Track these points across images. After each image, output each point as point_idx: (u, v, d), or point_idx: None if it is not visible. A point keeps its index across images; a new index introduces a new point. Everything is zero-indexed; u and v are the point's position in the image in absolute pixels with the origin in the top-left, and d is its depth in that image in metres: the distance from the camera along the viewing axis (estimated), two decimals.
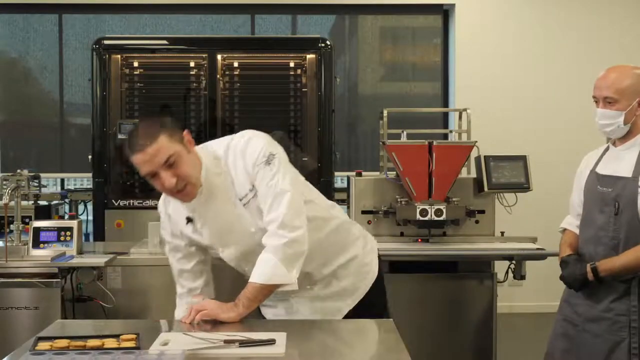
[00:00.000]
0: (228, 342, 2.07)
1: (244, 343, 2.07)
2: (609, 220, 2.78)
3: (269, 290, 2.36)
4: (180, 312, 2.51)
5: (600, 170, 2.87)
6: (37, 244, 3.64)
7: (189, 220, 2.44)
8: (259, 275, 2.34)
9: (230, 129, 4.64)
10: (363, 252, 2.63)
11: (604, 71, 2.83)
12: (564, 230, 3.09)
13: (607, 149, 2.93)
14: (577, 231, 2.99)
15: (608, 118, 2.79)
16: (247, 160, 2.38)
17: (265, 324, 2.45)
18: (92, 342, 2.03)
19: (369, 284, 2.60)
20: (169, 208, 2.52)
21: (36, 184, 4.78)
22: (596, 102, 2.84)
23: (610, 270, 2.75)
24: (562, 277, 2.92)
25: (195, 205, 2.41)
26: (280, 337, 2.14)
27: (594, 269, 2.77)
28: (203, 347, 2.03)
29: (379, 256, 2.71)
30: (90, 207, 5.31)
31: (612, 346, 2.76)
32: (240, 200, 2.39)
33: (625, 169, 2.78)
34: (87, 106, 5.39)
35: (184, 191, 2.34)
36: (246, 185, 2.38)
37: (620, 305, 2.76)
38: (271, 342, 2.09)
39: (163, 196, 2.52)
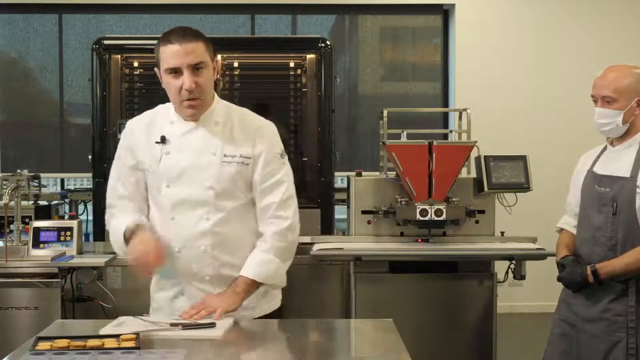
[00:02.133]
0: (173, 325, 2.22)
1: (186, 326, 2.22)
2: (606, 221, 2.78)
3: (257, 286, 2.43)
4: (120, 224, 2.44)
5: (598, 170, 2.87)
6: (37, 244, 3.64)
7: (163, 140, 2.42)
8: (259, 275, 2.41)
9: None
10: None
11: (603, 70, 2.84)
12: (561, 230, 3.09)
13: (604, 149, 2.93)
14: (574, 231, 2.99)
15: (606, 117, 2.79)
16: (264, 139, 2.45)
17: (262, 322, 2.45)
18: (92, 342, 2.03)
19: (267, 310, 2.56)
20: (138, 127, 2.51)
21: (36, 184, 4.77)
22: (595, 101, 2.84)
23: (611, 273, 2.75)
24: (559, 279, 2.92)
25: (180, 131, 2.42)
26: (224, 322, 2.27)
27: (594, 272, 2.77)
28: (151, 330, 2.18)
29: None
30: (90, 207, 5.30)
31: (610, 346, 2.76)
32: (225, 156, 2.41)
33: (623, 169, 2.78)
34: (87, 106, 5.39)
35: (195, 102, 2.37)
36: (239, 150, 2.43)
37: (618, 306, 2.76)
38: (211, 325, 2.22)
39: (136, 118, 2.55)
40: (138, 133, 2.50)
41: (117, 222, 2.48)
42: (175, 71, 2.33)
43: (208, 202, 2.41)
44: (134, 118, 2.57)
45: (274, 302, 2.59)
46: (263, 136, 2.47)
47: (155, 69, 2.44)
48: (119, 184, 2.54)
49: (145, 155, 2.47)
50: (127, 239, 2.41)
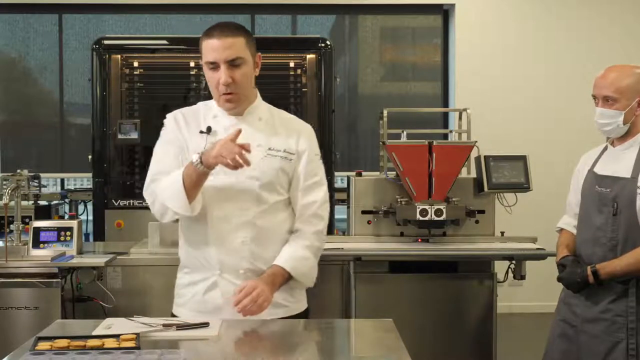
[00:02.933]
0: (166, 325, 2.21)
1: (180, 326, 2.21)
2: (607, 221, 2.77)
3: (288, 279, 2.44)
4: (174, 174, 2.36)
5: (599, 170, 2.87)
6: (37, 244, 3.64)
7: (209, 130, 2.45)
8: (296, 269, 2.44)
9: None
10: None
11: (604, 70, 2.83)
12: (561, 230, 3.08)
13: (605, 149, 2.93)
14: (574, 231, 2.99)
15: (607, 117, 2.78)
16: (309, 140, 2.51)
17: (262, 322, 2.44)
18: (92, 342, 2.03)
19: (297, 310, 2.54)
20: (181, 117, 2.53)
21: (36, 184, 4.77)
22: (595, 101, 2.83)
23: (612, 273, 2.75)
24: (560, 279, 2.92)
25: (226, 124, 2.45)
26: (217, 321, 2.27)
27: (594, 272, 2.77)
28: (144, 331, 2.15)
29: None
30: (90, 207, 5.31)
31: (610, 347, 2.76)
32: (270, 149, 2.45)
33: (623, 170, 2.78)
34: (87, 106, 5.40)
35: (230, 96, 2.40)
36: (283, 145, 2.47)
37: (618, 306, 2.76)
38: (205, 325, 2.22)
39: (176, 111, 2.56)
40: (182, 122, 2.52)
41: (169, 176, 2.39)
42: (214, 65, 2.37)
43: (251, 192, 2.42)
44: (174, 111, 2.59)
45: (304, 301, 2.59)
46: (305, 136, 2.52)
47: (201, 62, 2.47)
48: (167, 162, 2.46)
49: (189, 143, 2.47)
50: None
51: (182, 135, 2.50)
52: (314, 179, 2.50)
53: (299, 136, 2.51)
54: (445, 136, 5.31)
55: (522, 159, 4.10)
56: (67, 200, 5.42)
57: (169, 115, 2.57)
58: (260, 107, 2.53)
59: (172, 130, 2.52)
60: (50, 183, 6.62)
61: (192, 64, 5.02)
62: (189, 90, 5.04)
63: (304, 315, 2.56)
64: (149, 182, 2.48)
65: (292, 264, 2.43)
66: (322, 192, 2.52)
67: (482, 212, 4.07)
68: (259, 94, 2.55)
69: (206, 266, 2.46)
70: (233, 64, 2.36)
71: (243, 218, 2.41)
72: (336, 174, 5.02)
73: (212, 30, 2.39)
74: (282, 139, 2.49)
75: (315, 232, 2.49)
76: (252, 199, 2.42)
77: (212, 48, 2.36)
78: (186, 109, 2.57)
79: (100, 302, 3.60)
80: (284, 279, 2.42)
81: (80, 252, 3.69)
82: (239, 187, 2.41)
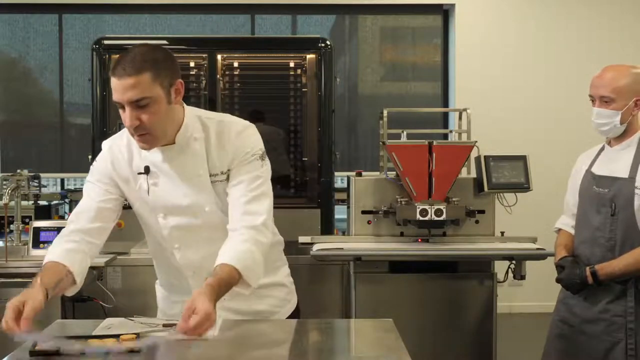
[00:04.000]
0: (167, 325, 2.18)
1: None
2: (605, 221, 2.77)
3: (236, 280, 2.13)
4: (55, 253, 2.24)
5: (596, 170, 2.86)
6: (37, 244, 3.64)
7: (147, 170, 2.27)
8: (239, 261, 2.12)
9: None
10: (288, 280, 2.56)
11: (601, 70, 2.82)
12: (559, 230, 3.08)
13: (602, 149, 2.92)
14: (572, 231, 2.98)
15: (604, 117, 2.78)
16: (239, 144, 2.27)
17: (262, 322, 2.45)
18: (92, 342, 2.03)
19: (287, 313, 2.50)
20: (117, 149, 2.35)
21: (36, 184, 4.77)
22: (592, 101, 2.83)
23: (610, 274, 2.74)
24: (558, 280, 2.92)
25: (160, 158, 2.26)
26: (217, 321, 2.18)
27: (593, 273, 2.77)
28: (144, 331, 2.13)
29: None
30: None
31: (609, 347, 2.76)
32: (211, 175, 2.27)
33: (621, 170, 2.77)
34: (87, 106, 5.39)
35: (143, 137, 2.15)
36: (220, 166, 2.27)
37: (617, 307, 2.76)
38: None
39: (112, 139, 2.41)
40: (119, 156, 2.35)
41: (53, 247, 2.27)
42: (120, 104, 2.12)
43: (211, 224, 2.30)
44: (109, 139, 2.43)
45: (292, 303, 2.55)
46: (241, 140, 2.28)
47: None
48: (88, 197, 2.40)
49: (128, 180, 2.34)
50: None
51: (117, 172, 2.35)
52: (246, 175, 2.25)
53: (234, 145, 2.27)
54: (445, 136, 5.31)
55: (522, 159, 4.10)
56: (67, 200, 5.41)
57: (105, 146, 2.41)
58: (191, 123, 2.26)
59: (104, 166, 2.38)
60: (50, 183, 6.63)
61: (192, 64, 5.00)
62: (188, 90, 5.03)
63: (295, 314, 2.53)
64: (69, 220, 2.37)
65: (240, 263, 2.12)
66: (254, 186, 2.25)
67: (482, 212, 4.07)
68: (186, 109, 2.29)
69: (186, 292, 2.34)
70: (138, 105, 2.08)
71: (211, 249, 2.25)
72: (336, 174, 5.02)
73: (115, 64, 2.10)
74: (219, 159, 2.27)
75: (249, 227, 2.20)
76: (213, 229, 2.30)
77: (114, 87, 2.09)
78: (120, 140, 2.37)
79: (100, 302, 3.61)
80: (230, 283, 2.11)
81: None
82: (197, 224, 2.30)
